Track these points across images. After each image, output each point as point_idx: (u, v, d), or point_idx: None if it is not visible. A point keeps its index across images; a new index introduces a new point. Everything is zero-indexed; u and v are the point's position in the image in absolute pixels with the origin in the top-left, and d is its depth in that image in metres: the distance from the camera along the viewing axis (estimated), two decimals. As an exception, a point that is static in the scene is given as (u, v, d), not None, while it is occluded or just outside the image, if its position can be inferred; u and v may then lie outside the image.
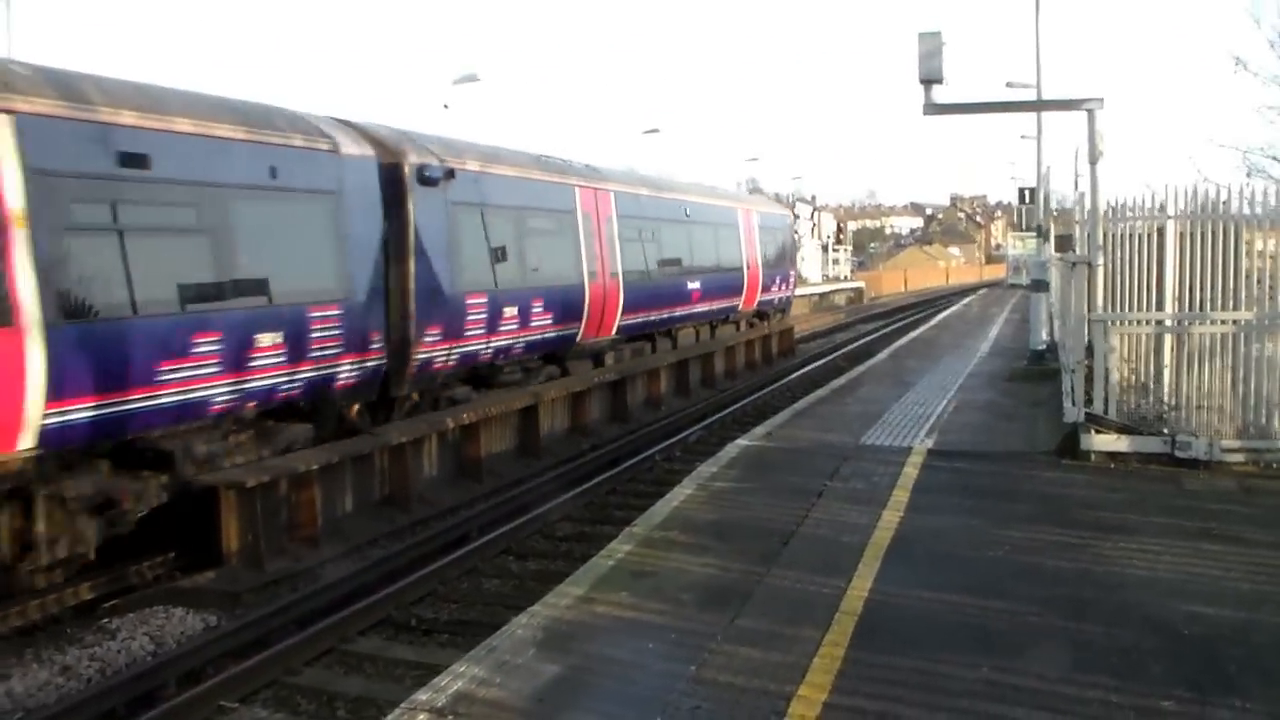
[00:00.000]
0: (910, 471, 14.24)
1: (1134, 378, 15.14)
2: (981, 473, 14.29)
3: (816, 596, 9.28)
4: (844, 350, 41.68)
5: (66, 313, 12.00)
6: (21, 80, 12.04)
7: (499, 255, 20.53)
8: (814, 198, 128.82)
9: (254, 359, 14.55)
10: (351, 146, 16.98)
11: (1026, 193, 39.44)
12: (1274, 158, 19.43)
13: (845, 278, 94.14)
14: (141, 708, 10.00)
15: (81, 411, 12.14)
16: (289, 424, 15.78)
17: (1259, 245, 14.96)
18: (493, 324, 20.13)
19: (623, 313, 25.74)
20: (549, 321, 22.21)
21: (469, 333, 19.37)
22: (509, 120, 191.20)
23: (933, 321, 46.94)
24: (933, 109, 16.45)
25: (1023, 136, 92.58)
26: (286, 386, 15.31)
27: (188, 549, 14.23)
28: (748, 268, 35.68)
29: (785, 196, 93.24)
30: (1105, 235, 15.33)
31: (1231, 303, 14.69)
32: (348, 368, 16.41)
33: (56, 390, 11.73)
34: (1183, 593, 9.22)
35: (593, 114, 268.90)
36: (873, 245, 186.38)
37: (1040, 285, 27.36)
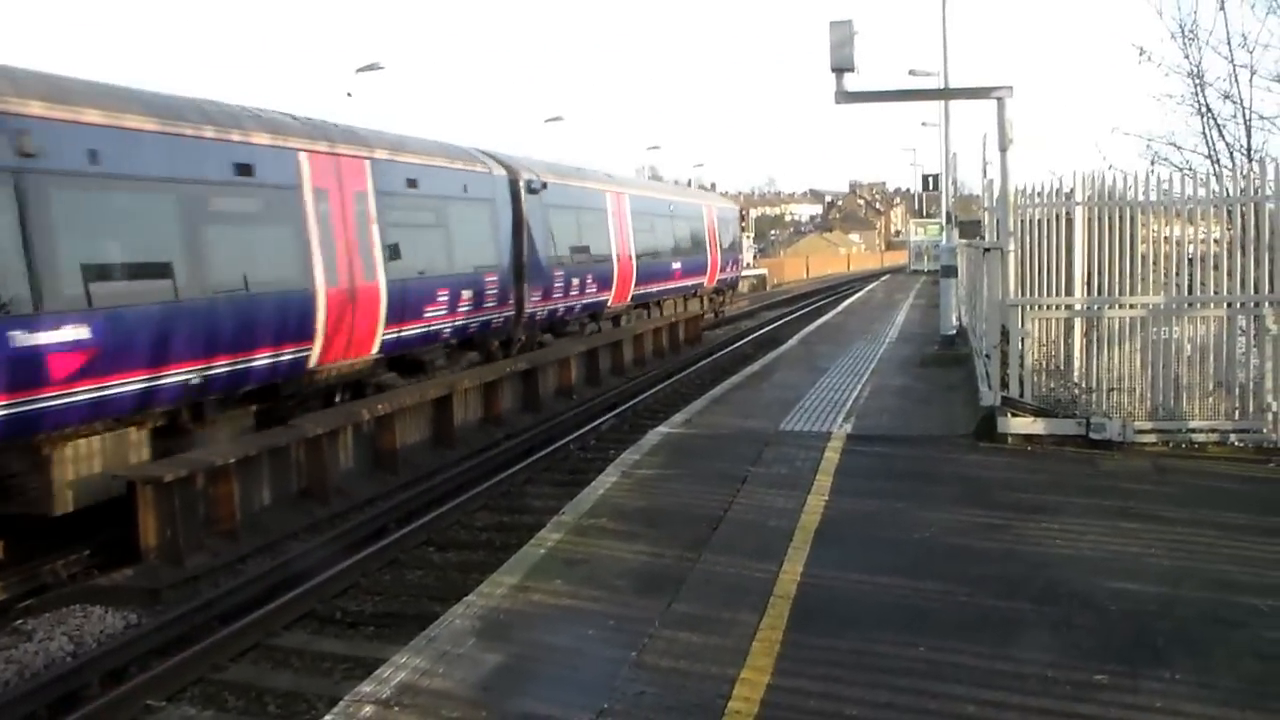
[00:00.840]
0: (832, 456, 14.35)
1: (1048, 361, 15.37)
2: (902, 456, 14.44)
3: (750, 581, 9.33)
4: (752, 337, 41.87)
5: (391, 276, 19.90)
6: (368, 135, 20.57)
7: (570, 242, 29.58)
8: (714, 185, 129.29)
9: (460, 307, 22.65)
10: (497, 169, 25.63)
11: (930, 179, 39.93)
12: (1176, 145, 19.74)
13: (749, 265, 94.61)
14: (64, 710, 9.84)
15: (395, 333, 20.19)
16: (467, 352, 24.31)
17: (1164, 231, 15.25)
18: (566, 291, 28.97)
19: (635, 285, 34.75)
20: (595, 290, 31.22)
21: (554, 296, 28.17)
22: (413, 108, 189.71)
23: (839, 308, 47.25)
24: (845, 97, 16.55)
25: (924, 124, 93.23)
26: (473, 325, 23.66)
27: (103, 546, 14.04)
28: (710, 252, 45.34)
29: (685, 184, 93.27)
30: (1015, 221, 15.53)
31: (1139, 287, 14.96)
32: (498, 315, 24.76)
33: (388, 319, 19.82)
34: (1107, 570, 9.38)
35: (495, 101, 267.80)
36: (773, 232, 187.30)
37: (949, 271, 27.69)
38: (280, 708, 10.03)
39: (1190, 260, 15.20)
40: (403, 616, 11.93)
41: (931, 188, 36.22)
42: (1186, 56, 18.59)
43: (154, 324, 14.41)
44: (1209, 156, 18.80)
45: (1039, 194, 15.74)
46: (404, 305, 20.26)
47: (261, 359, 16.41)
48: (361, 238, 19.20)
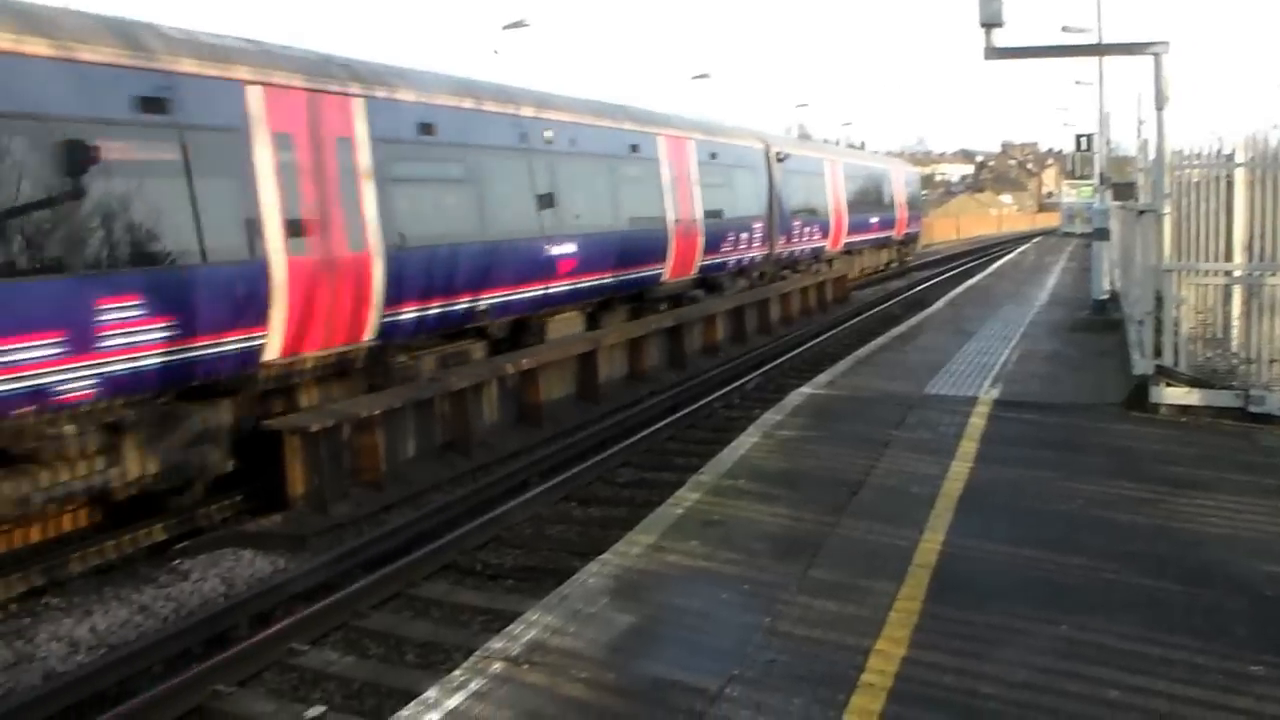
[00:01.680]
0: (977, 422, 14.11)
1: (1204, 330, 14.92)
2: (1050, 424, 14.14)
3: (889, 548, 9.20)
4: (900, 298, 41.36)
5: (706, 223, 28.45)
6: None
7: (802, 199, 37.71)
8: (863, 144, 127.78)
9: (739, 245, 31.24)
10: (759, 143, 34.26)
11: (1082, 139, 38.89)
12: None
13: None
14: (216, 648, 10.09)
15: (707, 261, 29.25)
16: (739, 279, 31.91)
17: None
18: (800, 236, 37.49)
19: (846, 234, 43.57)
20: (819, 238, 39.94)
21: (792, 240, 36.38)
22: (557, 65, 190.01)
23: (988, 270, 46.52)
24: (994, 53, 16.18)
25: (1077, 82, 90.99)
26: (746, 261, 32.23)
27: (254, 493, 14.35)
28: (898, 209, 54.40)
29: (835, 142, 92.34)
30: (1172, 183, 15.07)
31: (1305, 254, 14.43)
32: (759, 254, 33.05)
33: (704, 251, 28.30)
34: (1265, 552, 9.01)
35: (641, 59, 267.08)
36: (924, 192, 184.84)
37: (1102, 234, 27.02)
38: (418, 657, 10.13)
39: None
40: (541, 571, 11.98)
41: (1085, 148, 35.08)
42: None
43: (600, 247, 22.96)
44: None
45: (1197, 155, 15.24)
46: (710, 242, 28.82)
47: (640, 273, 25.31)
48: (692, 193, 28.14)
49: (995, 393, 16.09)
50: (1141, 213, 17.14)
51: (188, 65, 13.47)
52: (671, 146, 27.43)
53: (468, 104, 19.18)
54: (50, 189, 11.61)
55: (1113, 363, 18.44)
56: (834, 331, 31.22)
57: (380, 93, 16.84)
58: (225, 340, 13.61)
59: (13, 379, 11.04)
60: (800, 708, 6.45)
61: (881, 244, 51.46)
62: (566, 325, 22.18)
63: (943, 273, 54.17)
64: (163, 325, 12.71)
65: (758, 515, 10.26)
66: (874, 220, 48.41)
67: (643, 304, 26.16)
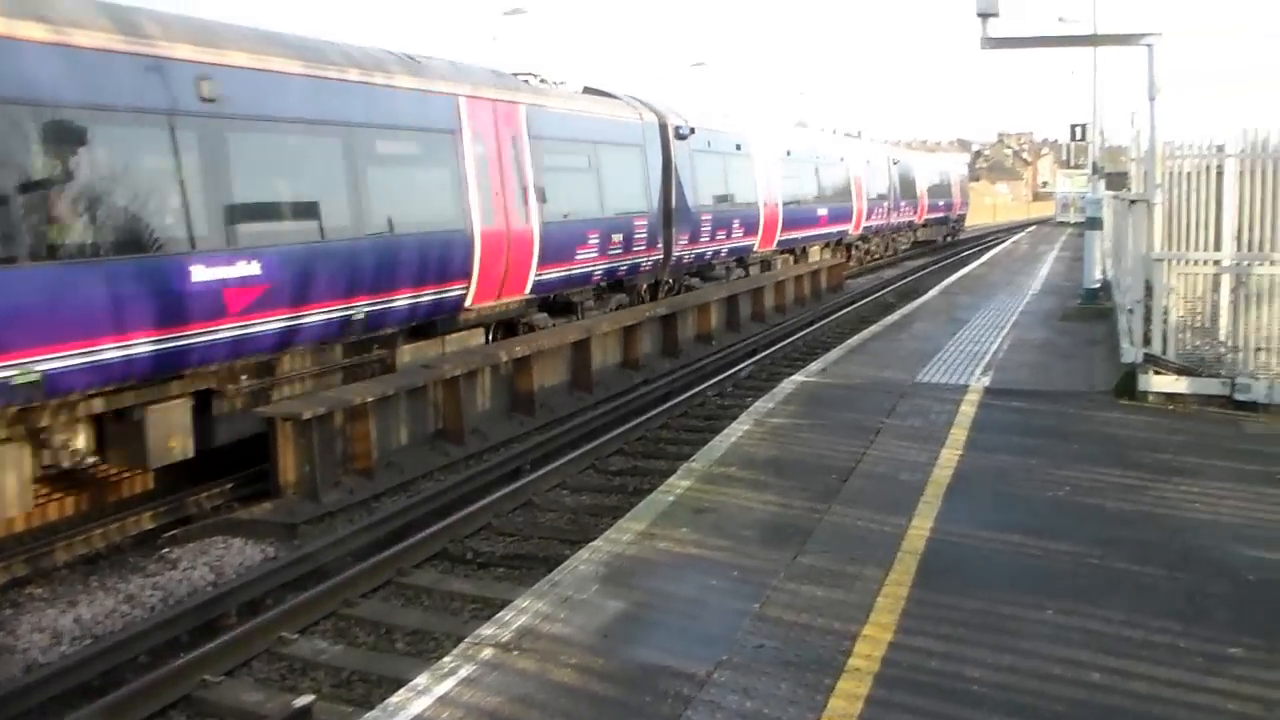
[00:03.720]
0: (968, 410, 14.17)
1: (1193, 318, 15.00)
2: (1040, 411, 14.19)
3: (878, 535, 9.27)
4: (894, 286, 41.41)
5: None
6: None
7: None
8: (860, 133, 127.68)
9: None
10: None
11: (1078, 129, 38.86)
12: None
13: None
14: (204, 637, 10.11)
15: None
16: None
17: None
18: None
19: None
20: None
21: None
22: (556, 52, 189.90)
23: (982, 259, 46.52)
24: (990, 43, 16.19)
25: (1072, 73, 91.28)
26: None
27: (244, 480, 14.39)
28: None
29: (832, 131, 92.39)
30: (1163, 173, 15.14)
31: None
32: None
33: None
34: (1247, 538, 9.12)
35: (639, 46, 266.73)
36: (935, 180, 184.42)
37: (1094, 223, 27.10)
38: (408, 645, 10.18)
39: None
40: (533, 558, 12.05)
41: (1079, 138, 35.17)
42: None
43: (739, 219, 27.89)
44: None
45: (1189, 146, 15.31)
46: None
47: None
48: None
49: (986, 380, 16.15)
50: (1133, 202, 17.21)
51: (439, 86, 17.99)
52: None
53: (579, 106, 23.37)
54: (375, 175, 16.30)
55: (1103, 351, 18.52)
56: (827, 320, 31.27)
57: (535, 101, 20.97)
58: (427, 291, 17.27)
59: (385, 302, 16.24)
60: (787, 691, 6.50)
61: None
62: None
63: (937, 261, 54.24)
64: (429, 274, 17.22)
65: (748, 502, 10.30)
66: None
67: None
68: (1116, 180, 30.27)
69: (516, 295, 19.99)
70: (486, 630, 7.48)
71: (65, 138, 11.73)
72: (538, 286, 20.63)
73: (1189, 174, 15.19)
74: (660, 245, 26.01)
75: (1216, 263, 14.93)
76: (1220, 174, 14.96)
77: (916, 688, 6.55)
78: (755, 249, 33.23)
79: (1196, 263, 15.04)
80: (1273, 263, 14.36)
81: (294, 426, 13.86)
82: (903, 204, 55.23)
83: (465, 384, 16.98)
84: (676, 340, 25.03)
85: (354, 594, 11.15)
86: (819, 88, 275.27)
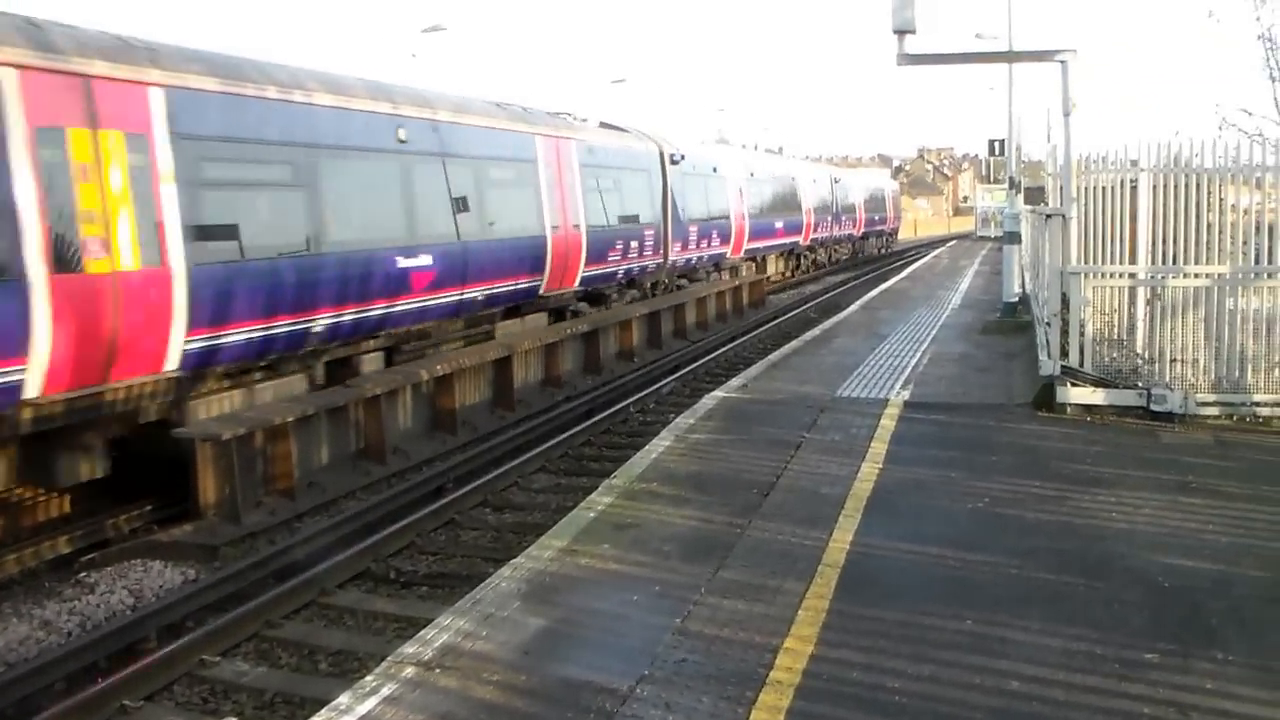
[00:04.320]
0: (887, 423, 14.27)
1: (1109, 331, 15.20)
2: (959, 424, 14.33)
3: (798, 548, 9.32)
4: (815, 302, 41.63)
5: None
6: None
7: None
8: (781, 149, 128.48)
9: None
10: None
11: (996, 144, 39.36)
12: (1246, 111, 19.46)
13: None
14: (124, 662, 9.97)
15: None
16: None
17: (1231, 199, 15.03)
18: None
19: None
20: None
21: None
22: (476, 69, 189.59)
23: (903, 273, 46.91)
24: (906, 60, 16.35)
25: (991, 88, 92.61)
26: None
27: (165, 501, 14.21)
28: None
29: (754, 148, 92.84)
30: (1079, 188, 15.35)
31: (1204, 256, 14.76)
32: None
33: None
34: (1162, 545, 9.28)
35: (559, 63, 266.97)
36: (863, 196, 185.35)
37: (1013, 237, 27.40)
38: (331, 665, 10.11)
39: (1258, 229, 14.98)
40: (456, 577, 11.99)
41: (997, 153, 35.64)
42: (1258, 18, 18.29)
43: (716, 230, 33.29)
44: (1280, 122, 18.51)
45: (1104, 160, 15.53)
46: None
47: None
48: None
49: (906, 394, 16.28)
50: (1049, 217, 17.42)
51: (523, 127, 23.25)
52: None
53: (609, 140, 28.60)
54: (489, 193, 21.04)
55: (1021, 364, 18.72)
56: (749, 335, 31.37)
57: (582, 138, 26.25)
58: (521, 281, 22.11)
59: (495, 288, 21.09)
60: (709, 705, 6.53)
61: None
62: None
63: (859, 277, 54.59)
64: (521, 268, 22.09)
65: (669, 518, 10.33)
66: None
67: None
68: (1035, 195, 30.67)
69: (570, 287, 25.04)
70: (409, 649, 7.46)
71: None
72: (584, 280, 25.61)
73: (1104, 188, 15.39)
74: (661, 251, 31.05)
75: (1132, 275, 15.14)
76: (1135, 188, 15.18)
77: (838, 699, 6.59)
78: (728, 255, 38.66)
79: (1112, 276, 15.24)
80: (1186, 275, 14.60)
81: (214, 447, 13.71)
82: (844, 218, 62.11)
83: (386, 403, 16.87)
84: (599, 357, 25.00)
85: (276, 615, 11.04)
86: (738, 103, 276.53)
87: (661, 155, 31.75)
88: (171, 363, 13.30)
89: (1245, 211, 15.08)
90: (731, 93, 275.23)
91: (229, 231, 14.24)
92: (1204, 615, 7.80)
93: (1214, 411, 14.08)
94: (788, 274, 52.60)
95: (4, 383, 11.29)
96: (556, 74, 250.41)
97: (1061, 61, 15.38)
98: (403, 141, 18.14)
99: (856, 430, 13.91)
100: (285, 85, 15.52)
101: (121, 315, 12.48)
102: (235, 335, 14.20)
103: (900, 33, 16.00)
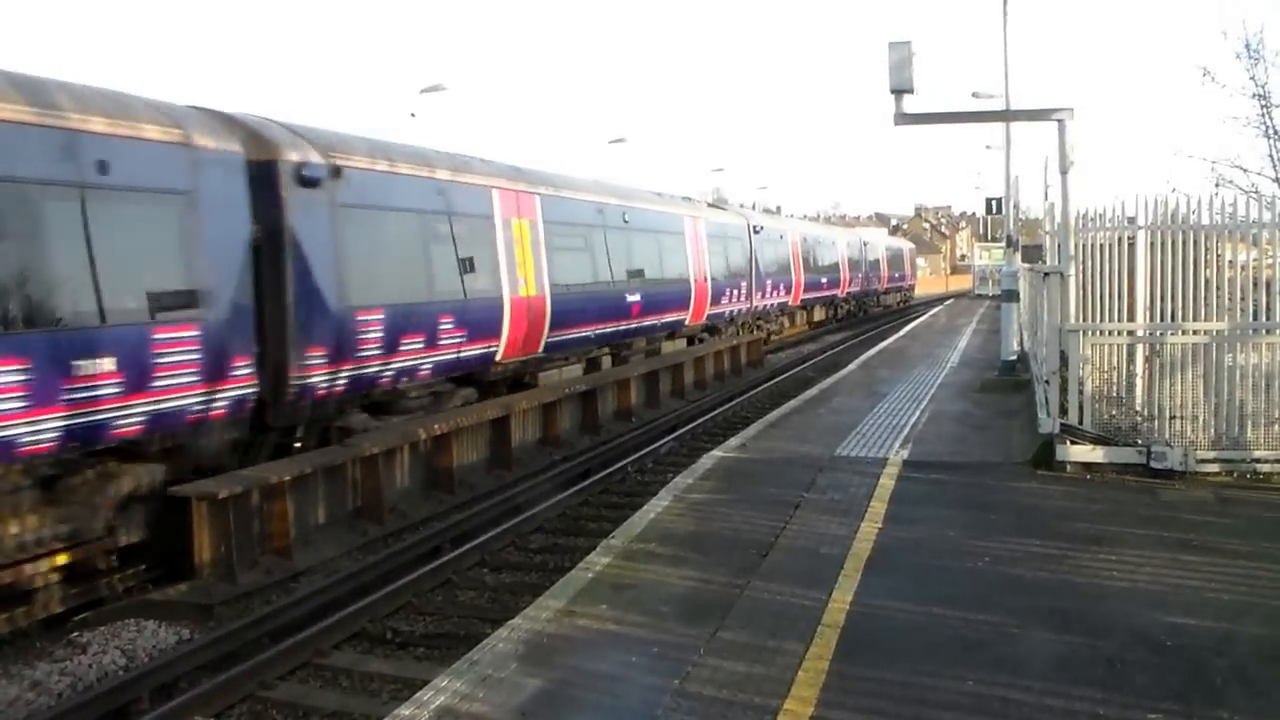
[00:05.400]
0: (887, 483, 14.22)
1: (1108, 388, 15.17)
2: (958, 484, 14.29)
3: (798, 609, 9.25)
4: (813, 361, 41.58)
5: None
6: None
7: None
8: (779, 208, 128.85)
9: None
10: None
11: (993, 203, 39.46)
12: (1241, 168, 19.57)
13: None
14: (115, 724, 9.89)
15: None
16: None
17: (1229, 255, 15.05)
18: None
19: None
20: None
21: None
22: (475, 129, 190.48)
23: (901, 332, 46.96)
24: (904, 119, 16.45)
25: (988, 147, 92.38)
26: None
27: (159, 561, 14.11)
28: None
29: (751, 206, 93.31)
30: (1076, 245, 15.36)
31: (1203, 313, 14.75)
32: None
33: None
34: (1164, 604, 9.22)
35: (558, 122, 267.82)
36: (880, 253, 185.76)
37: (1010, 295, 27.42)
38: (326, 728, 10.02)
39: (1256, 285, 14.98)
40: (453, 637, 11.89)
41: (995, 211, 35.78)
42: (1252, 78, 18.43)
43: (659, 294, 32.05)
44: (1276, 179, 18.56)
45: (1101, 217, 15.56)
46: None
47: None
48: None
49: (905, 454, 16.23)
50: (1047, 274, 17.43)
51: (671, 209, 33.98)
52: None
53: (719, 217, 38.78)
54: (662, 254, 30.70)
55: (1020, 422, 18.68)
56: (748, 395, 31.27)
57: (708, 216, 36.40)
58: (679, 314, 31.75)
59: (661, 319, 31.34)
60: (708, 768, 6.44)
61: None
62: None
63: (857, 336, 54.61)
64: (670, 306, 31.41)
65: (668, 578, 10.27)
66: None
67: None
68: (1032, 252, 30.68)
69: (699, 321, 34.32)
70: (405, 711, 7.38)
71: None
72: (709, 318, 35.55)
73: (1102, 245, 15.41)
74: (748, 298, 40.46)
75: (1131, 333, 15.13)
76: (1133, 245, 15.19)
77: (838, 761, 6.51)
78: (789, 303, 49.02)
79: (1111, 333, 15.23)
80: (1185, 331, 14.59)
81: (210, 506, 13.64)
82: (870, 275, 73.42)
83: (384, 462, 16.81)
84: (597, 417, 24.96)
85: (271, 676, 10.95)
86: (736, 161, 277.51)
87: (749, 226, 42.25)
88: (705, 320, 33.38)
89: (1243, 268, 15.09)
90: (729, 151, 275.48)
91: (566, 276, 24.69)
92: (1208, 674, 7.73)
93: (1214, 468, 14.03)
94: (827, 319, 61.78)
95: (490, 350, 21.09)
96: (555, 132, 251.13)
97: (1059, 120, 15.44)
98: (626, 222, 28.84)
99: (855, 489, 13.85)
100: (597, 191, 28.25)
101: (697, 299, 31.88)
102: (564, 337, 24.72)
103: (898, 92, 16.11)
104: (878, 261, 77.05)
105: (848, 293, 64.93)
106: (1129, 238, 15.31)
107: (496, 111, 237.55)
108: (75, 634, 12.23)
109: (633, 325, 28.74)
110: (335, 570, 14.57)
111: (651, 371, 29.08)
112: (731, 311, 38.59)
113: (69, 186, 12.41)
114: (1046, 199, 29.96)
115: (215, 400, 14.32)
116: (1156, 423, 14.57)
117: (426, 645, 11.95)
